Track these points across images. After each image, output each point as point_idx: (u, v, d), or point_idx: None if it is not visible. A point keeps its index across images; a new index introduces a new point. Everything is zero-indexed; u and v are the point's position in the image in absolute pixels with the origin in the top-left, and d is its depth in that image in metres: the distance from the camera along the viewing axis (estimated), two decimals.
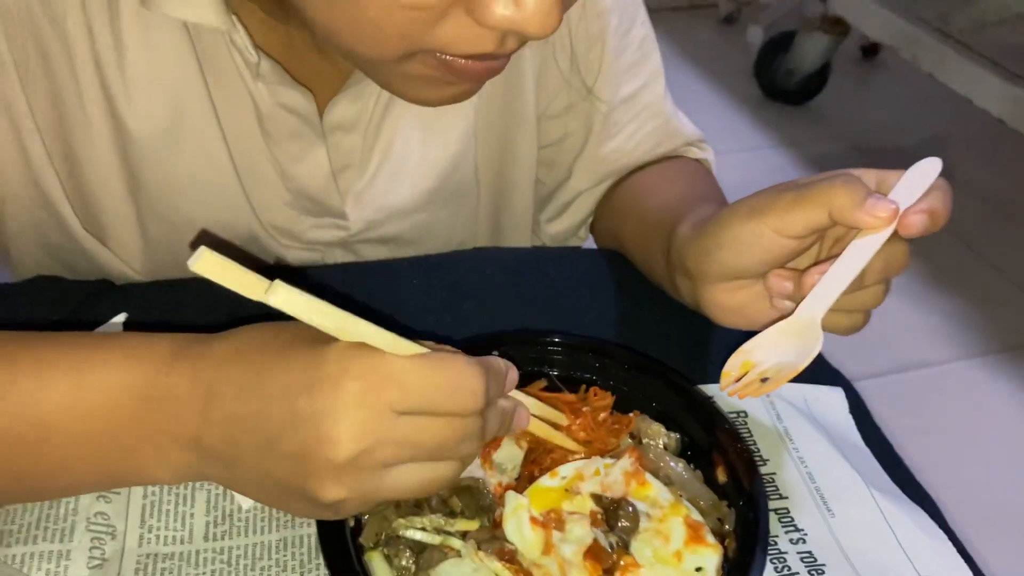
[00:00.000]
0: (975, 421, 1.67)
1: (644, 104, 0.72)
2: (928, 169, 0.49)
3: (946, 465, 1.51)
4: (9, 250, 0.66)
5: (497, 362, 0.44)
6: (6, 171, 0.59)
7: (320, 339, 0.40)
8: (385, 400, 0.39)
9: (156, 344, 0.44)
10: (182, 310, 0.59)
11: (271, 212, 0.64)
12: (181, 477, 0.45)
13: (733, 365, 0.48)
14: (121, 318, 0.57)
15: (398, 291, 0.65)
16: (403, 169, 0.66)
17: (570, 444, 0.49)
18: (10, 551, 0.45)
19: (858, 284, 0.48)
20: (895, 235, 0.47)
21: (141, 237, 0.64)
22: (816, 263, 0.50)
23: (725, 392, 0.48)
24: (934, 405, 1.68)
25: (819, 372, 0.64)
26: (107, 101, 0.58)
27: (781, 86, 2.52)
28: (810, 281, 0.48)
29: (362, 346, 0.40)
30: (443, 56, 0.45)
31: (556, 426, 0.50)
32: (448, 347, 0.44)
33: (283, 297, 0.37)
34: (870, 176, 0.50)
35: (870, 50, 2.74)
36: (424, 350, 0.41)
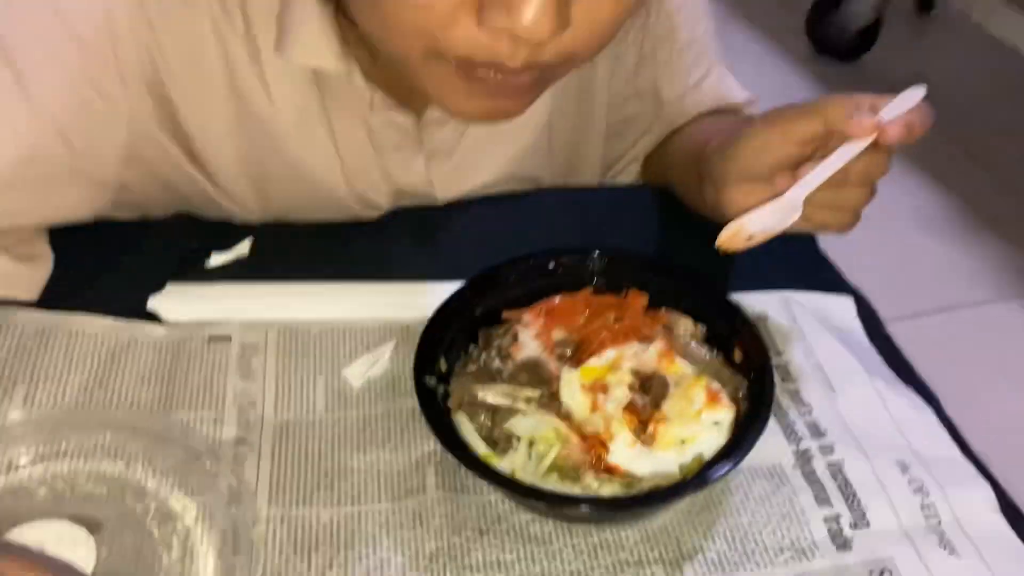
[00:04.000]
0: (1015, 363, 1.72)
1: (707, 91, 0.81)
2: (913, 95, 0.58)
3: (986, 406, 1.58)
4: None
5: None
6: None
7: None
8: None
9: None
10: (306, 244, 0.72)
11: (374, 202, 0.74)
12: None
13: (728, 228, 0.58)
14: (247, 242, 0.70)
15: (474, 224, 0.76)
16: (483, 155, 0.76)
17: None
18: (178, 415, 0.59)
19: (842, 180, 0.58)
20: (878, 145, 0.57)
21: (264, 211, 0.75)
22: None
23: (718, 246, 0.58)
24: (974, 346, 1.74)
25: (833, 284, 0.74)
26: (245, 131, 0.68)
27: (833, 42, 2.55)
28: (802, 172, 0.58)
29: None
30: (461, 63, 0.52)
31: None
32: None
33: None
34: (865, 99, 0.59)
35: (925, 4, 2.75)
36: None
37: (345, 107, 0.69)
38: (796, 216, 0.58)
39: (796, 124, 0.58)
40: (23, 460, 0.54)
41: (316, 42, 0.63)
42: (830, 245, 0.75)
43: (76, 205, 0.66)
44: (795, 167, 0.60)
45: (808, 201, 0.58)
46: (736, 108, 0.84)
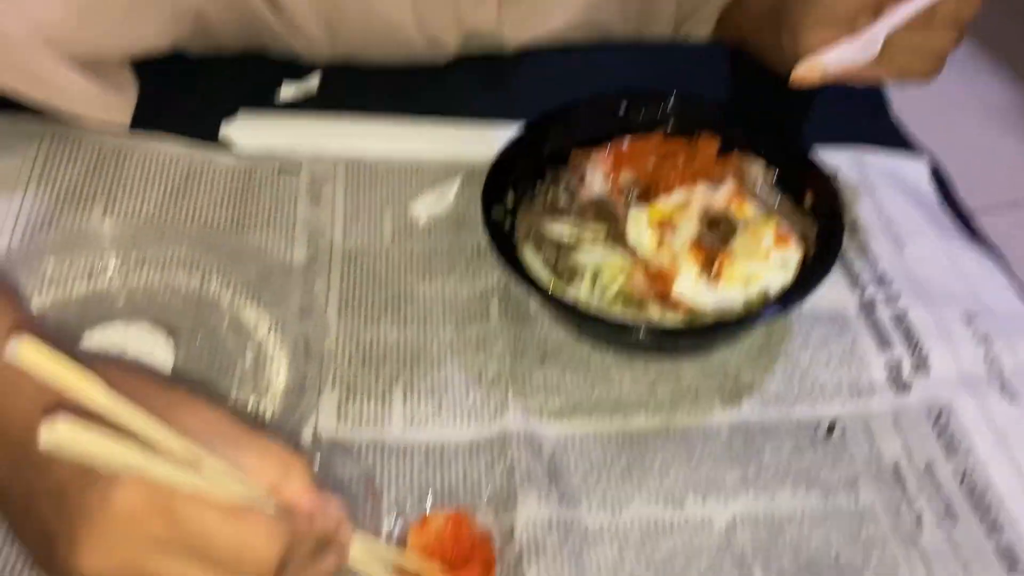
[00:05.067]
0: None
1: None
2: None
3: None
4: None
5: (327, 509, 0.39)
6: None
7: None
8: (150, 530, 0.35)
9: None
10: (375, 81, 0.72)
11: (444, 46, 0.73)
12: None
13: (804, 61, 0.56)
14: (317, 76, 0.71)
15: (546, 72, 0.75)
16: (557, 1, 0.75)
17: None
18: (250, 235, 0.60)
19: (928, 20, 0.55)
20: None
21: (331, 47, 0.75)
22: None
23: (793, 78, 0.56)
24: None
25: (910, 147, 0.72)
26: None
27: None
28: (886, 11, 0.56)
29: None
30: None
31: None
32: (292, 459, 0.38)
33: (63, 436, 0.31)
34: None
35: None
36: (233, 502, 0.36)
37: None
38: (875, 50, 0.55)
39: None
40: (104, 266, 0.56)
41: None
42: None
43: (156, 34, 0.67)
44: (878, 9, 0.58)
45: (891, 43, 0.56)
46: None
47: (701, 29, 0.84)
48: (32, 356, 0.31)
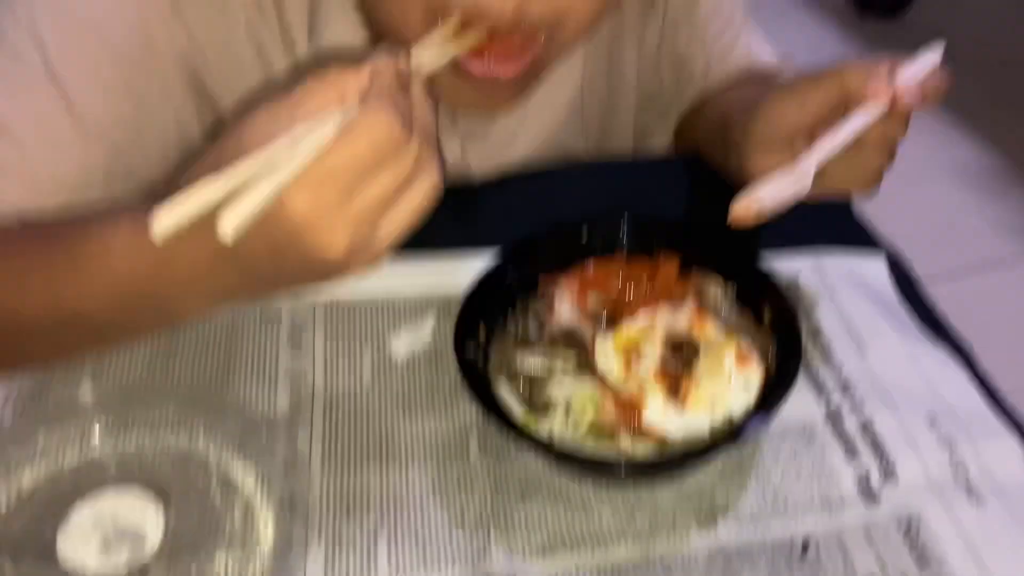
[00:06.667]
0: None
1: (735, 58, 0.83)
2: (930, 57, 0.58)
3: None
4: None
5: (378, 69, 0.46)
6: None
7: None
8: (329, 199, 0.43)
9: None
10: None
11: None
12: (211, 300, 0.53)
13: (739, 200, 0.59)
14: None
15: (510, 198, 0.78)
16: (517, 132, 0.78)
17: None
18: (235, 388, 0.62)
19: (860, 146, 0.58)
20: (895, 109, 0.57)
21: None
22: None
23: (731, 219, 0.58)
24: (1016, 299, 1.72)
25: (866, 243, 0.75)
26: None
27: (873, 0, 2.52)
28: (818, 139, 0.59)
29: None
30: (457, 60, 0.56)
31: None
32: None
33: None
34: (883, 63, 0.59)
35: None
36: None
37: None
38: (806, 184, 0.58)
39: (814, 91, 0.59)
40: (93, 434, 0.58)
41: (345, 21, 0.66)
42: (870, 202, 0.75)
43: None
44: (813, 131, 0.61)
45: (827, 166, 0.59)
46: (766, 72, 0.85)
47: (659, 141, 0.87)
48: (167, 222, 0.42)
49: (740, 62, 0.83)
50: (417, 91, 0.48)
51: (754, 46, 0.85)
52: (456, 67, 0.57)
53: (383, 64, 0.46)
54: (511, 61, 0.59)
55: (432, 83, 0.56)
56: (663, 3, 0.79)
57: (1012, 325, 1.66)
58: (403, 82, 0.47)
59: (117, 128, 0.64)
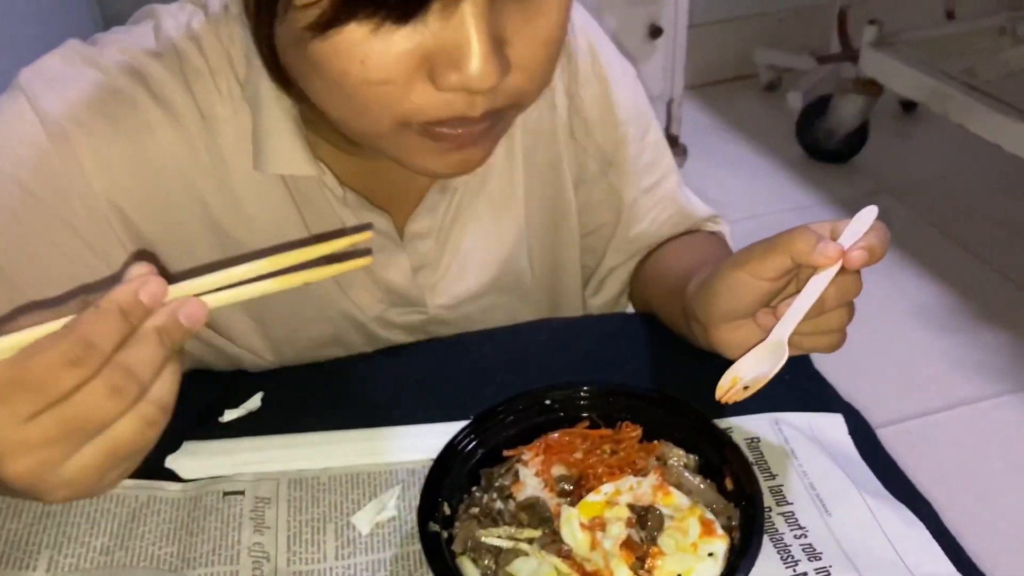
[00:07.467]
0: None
1: (662, 195, 0.88)
2: (867, 216, 0.62)
3: (995, 500, 1.57)
4: None
5: (107, 301, 0.44)
6: None
7: None
8: (7, 414, 0.43)
9: None
10: (313, 391, 0.76)
11: (368, 307, 0.80)
12: None
13: (724, 379, 0.61)
14: (258, 397, 0.74)
15: (471, 360, 0.80)
16: (469, 265, 0.82)
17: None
18: (194, 572, 0.61)
19: (820, 309, 0.61)
20: (844, 269, 0.60)
21: (265, 338, 0.80)
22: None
23: (719, 399, 0.61)
24: (983, 440, 1.74)
25: (826, 401, 0.76)
26: (225, 249, 0.73)
27: (823, 146, 2.63)
28: (782, 311, 0.62)
29: None
30: (426, 126, 0.57)
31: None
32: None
33: None
34: (825, 226, 0.63)
35: (909, 104, 2.84)
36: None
37: (320, 210, 0.74)
38: (784, 356, 0.60)
39: (764, 263, 0.62)
40: None
41: (288, 148, 0.69)
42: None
43: None
44: (773, 300, 0.64)
45: (793, 333, 0.62)
46: (700, 226, 0.90)
47: (607, 289, 0.90)
48: None
49: (671, 205, 0.88)
50: (148, 329, 0.46)
51: (687, 195, 0.91)
52: (433, 132, 0.58)
53: (119, 293, 0.45)
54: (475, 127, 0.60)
55: (412, 153, 0.58)
56: (584, 137, 0.84)
57: (979, 462, 1.67)
58: (136, 314, 0.45)
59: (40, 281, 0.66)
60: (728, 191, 2.48)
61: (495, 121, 0.60)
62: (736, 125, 2.88)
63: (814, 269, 0.62)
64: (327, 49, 0.53)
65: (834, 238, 0.62)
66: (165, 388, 0.47)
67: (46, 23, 1.87)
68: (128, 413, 0.45)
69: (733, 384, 0.61)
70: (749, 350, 0.63)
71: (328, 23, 0.52)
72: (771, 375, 0.60)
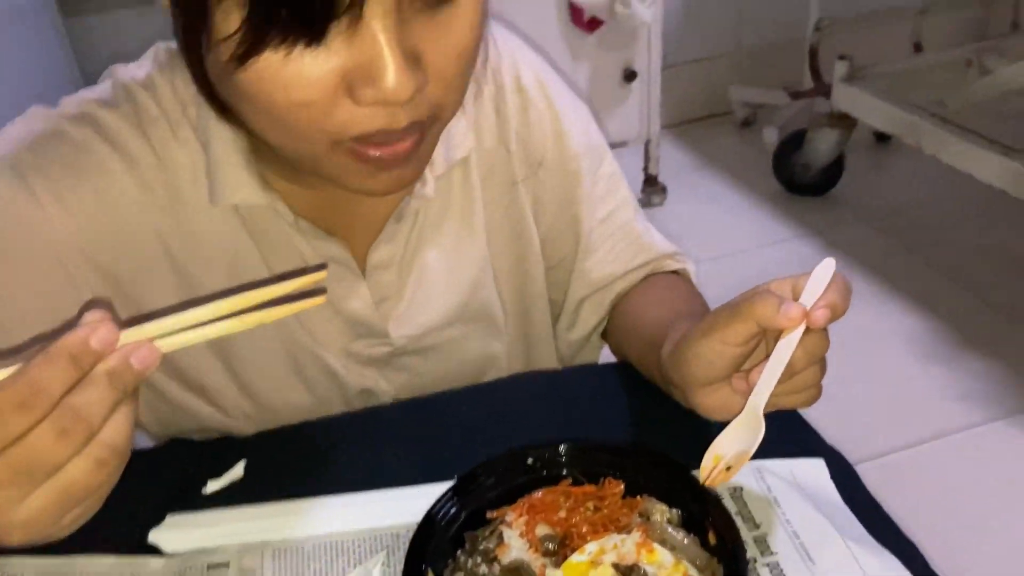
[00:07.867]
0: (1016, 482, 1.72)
1: (617, 225, 0.90)
2: (825, 270, 0.63)
3: (986, 528, 1.57)
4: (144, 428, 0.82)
5: (57, 347, 0.45)
6: None
7: None
8: None
9: None
10: (296, 455, 0.75)
11: (331, 341, 0.80)
12: None
13: (706, 460, 0.62)
14: (241, 465, 0.74)
15: (448, 418, 0.80)
16: (432, 294, 0.82)
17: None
18: None
19: (791, 371, 0.62)
20: (809, 328, 0.61)
21: (240, 390, 0.80)
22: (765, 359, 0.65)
23: (703, 483, 0.62)
24: (973, 468, 1.75)
25: (808, 444, 0.77)
26: (188, 289, 0.74)
27: (800, 180, 2.66)
28: (755, 377, 0.62)
29: None
30: (355, 145, 0.58)
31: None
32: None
33: None
34: (785, 285, 0.63)
35: (883, 135, 2.88)
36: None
37: (275, 240, 0.75)
38: (761, 430, 0.61)
39: (730, 331, 0.63)
40: None
41: (237, 178, 0.70)
42: None
43: None
44: (746, 362, 0.65)
45: (769, 397, 0.62)
46: (661, 262, 0.91)
47: (583, 325, 0.91)
48: None
49: (628, 236, 0.89)
50: (99, 372, 0.46)
51: (646, 228, 0.92)
52: (350, 151, 0.59)
53: (69, 339, 0.45)
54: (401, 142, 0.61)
55: (346, 174, 0.59)
56: (538, 171, 0.85)
57: (967, 491, 1.67)
58: (86, 359, 0.46)
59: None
60: (709, 227, 2.50)
61: (419, 136, 0.61)
62: (713, 162, 2.91)
63: (780, 331, 0.63)
64: (251, 78, 0.55)
65: (795, 295, 0.63)
66: (117, 430, 0.47)
67: (29, 86, 1.89)
68: (79, 455, 0.45)
69: (715, 463, 0.61)
70: (727, 424, 0.64)
71: (245, 54, 0.54)
72: (752, 451, 0.61)
